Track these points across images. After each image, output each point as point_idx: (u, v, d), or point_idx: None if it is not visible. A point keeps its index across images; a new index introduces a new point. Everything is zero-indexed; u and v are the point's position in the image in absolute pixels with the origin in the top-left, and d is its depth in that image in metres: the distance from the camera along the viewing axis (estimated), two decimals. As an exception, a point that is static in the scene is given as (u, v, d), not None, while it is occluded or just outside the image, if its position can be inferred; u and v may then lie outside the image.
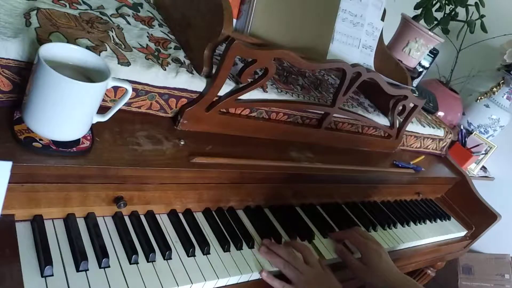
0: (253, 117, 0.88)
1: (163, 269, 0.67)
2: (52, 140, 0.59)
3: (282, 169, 0.87)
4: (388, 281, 0.85)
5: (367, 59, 1.09)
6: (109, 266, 0.62)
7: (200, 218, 0.80)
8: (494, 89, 1.80)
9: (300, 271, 0.78)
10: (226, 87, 0.78)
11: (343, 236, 0.94)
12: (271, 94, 0.87)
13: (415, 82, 1.56)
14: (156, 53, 0.75)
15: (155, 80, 0.71)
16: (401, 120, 1.16)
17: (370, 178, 1.11)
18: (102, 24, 0.74)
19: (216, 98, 0.78)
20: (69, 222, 0.64)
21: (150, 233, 0.71)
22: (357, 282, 0.92)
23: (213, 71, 0.76)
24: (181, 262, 0.70)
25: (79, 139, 0.61)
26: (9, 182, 0.48)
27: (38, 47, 0.54)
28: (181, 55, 0.78)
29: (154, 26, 0.83)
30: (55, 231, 0.62)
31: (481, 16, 1.51)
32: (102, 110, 0.63)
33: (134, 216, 0.71)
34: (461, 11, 1.44)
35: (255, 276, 0.76)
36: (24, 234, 0.59)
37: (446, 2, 1.39)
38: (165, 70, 0.72)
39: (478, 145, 1.75)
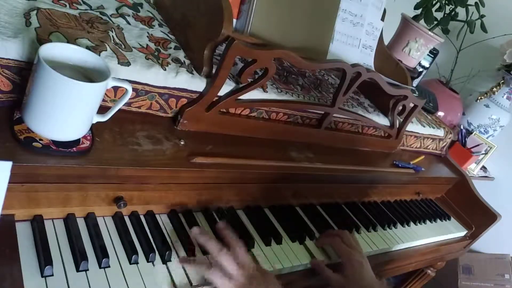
0: (253, 117, 0.88)
1: (163, 269, 0.66)
2: (52, 140, 0.59)
3: (282, 169, 0.87)
4: None
5: (367, 59, 1.09)
6: (109, 266, 0.62)
7: (200, 218, 0.80)
8: (494, 89, 1.80)
9: (229, 273, 0.67)
10: (226, 87, 0.78)
11: (328, 240, 0.90)
12: (271, 94, 0.87)
13: (415, 82, 1.56)
14: (156, 53, 0.75)
15: (155, 80, 0.71)
16: (401, 120, 1.16)
17: (370, 178, 1.11)
18: (102, 24, 0.74)
19: (216, 98, 0.78)
20: (69, 222, 0.64)
21: (150, 233, 0.71)
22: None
23: (213, 71, 0.76)
24: (181, 262, 0.69)
25: (79, 139, 0.61)
26: (9, 182, 0.47)
27: (38, 47, 0.54)
28: (181, 55, 0.78)
29: (154, 26, 0.83)
30: (55, 231, 0.62)
31: (481, 16, 1.51)
32: (102, 110, 0.63)
33: (134, 216, 0.71)
34: (461, 11, 1.44)
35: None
36: (24, 234, 0.59)
37: (446, 2, 1.39)
38: (165, 70, 0.72)
39: (478, 145, 1.75)
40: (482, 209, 1.39)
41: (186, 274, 0.67)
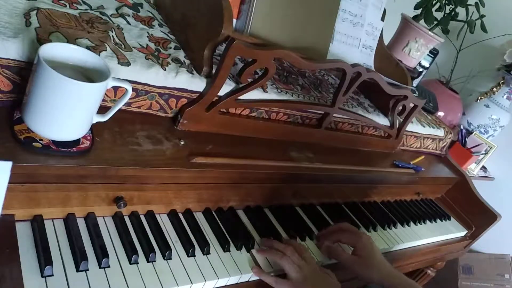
0: (253, 117, 0.88)
1: (163, 269, 0.67)
2: (52, 140, 0.59)
3: (282, 169, 0.87)
4: (383, 272, 0.85)
5: (367, 59, 1.09)
6: (109, 266, 0.62)
7: (200, 218, 0.80)
8: (494, 89, 1.80)
9: (298, 265, 0.76)
10: (226, 87, 0.78)
11: (330, 240, 0.91)
12: (271, 94, 0.87)
13: (415, 82, 1.56)
14: (156, 53, 0.75)
15: (155, 80, 0.71)
16: (401, 120, 1.16)
17: (370, 178, 1.11)
18: (102, 24, 0.74)
19: (216, 98, 0.78)
20: (69, 222, 0.64)
21: (150, 233, 0.71)
22: (356, 283, 0.91)
23: (213, 71, 0.76)
24: (181, 262, 0.70)
25: (79, 139, 0.61)
26: (9, 182, 0.47)
27: (38, 47, 0.54)
28: (181, 55, 0.78)
29: (154, 26, 0.83)
30: (55, 231, 0.62)
31: (481, 16, 1.51)
32: (102, 110, 0.63)
33: (134, 216, 0.71)
34: (461, 11, 1.44)
35: (256, 276, 0.76)
36: (24, 234, 0.59)
37: (446, 2, 1.38)
38: (165, 70, 0.72)
39: (478, 145, 1.75)
40: (482, 209, 1.39)
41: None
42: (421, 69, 1.69)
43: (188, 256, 0.71)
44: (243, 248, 0.79)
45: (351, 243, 0.90)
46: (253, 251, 0.79)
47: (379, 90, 1.00)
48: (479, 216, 1.40)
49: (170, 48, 0.79)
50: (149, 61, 0.71)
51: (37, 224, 0.61)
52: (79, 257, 0.59)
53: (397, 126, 1.16)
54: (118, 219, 0.69)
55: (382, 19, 1.11)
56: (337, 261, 0.88)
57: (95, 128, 0.64)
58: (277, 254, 0.78)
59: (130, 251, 0.65)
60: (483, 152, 1.79)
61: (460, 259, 1.84)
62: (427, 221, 1.26)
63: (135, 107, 0.73)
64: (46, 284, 0.55)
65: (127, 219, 0.71)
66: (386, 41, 1.27)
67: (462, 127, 1.82)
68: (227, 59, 0.72)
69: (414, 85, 1.48)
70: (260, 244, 0.82)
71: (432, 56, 1.74)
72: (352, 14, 1.03)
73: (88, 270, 0.60)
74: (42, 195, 0.60)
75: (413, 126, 1.26)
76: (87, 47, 0.65)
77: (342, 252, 0.88)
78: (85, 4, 0.77)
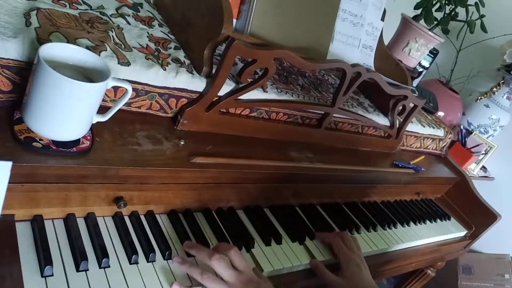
0: (253, 117, 0.88)
1: (163, 269, 0.66)
2: (52, 140, 0.59)
3: (282, 169, 0.87)
4: None
5: (367, 59, 1.09)
6: (109, 266, 0.62)
7: (200, 218, 0.80)
8: (494, 89, 1.80)
9: (224, 280, 0.65)
10: (226, 87, 0.78)
11: (328, 240, 0.90)
12: (271, 94, 0.87)
13: (415, 82, 1.56)
14: (156, 53, 0.75)
15: (155, 80, 0.71)
16: (401, 120, 1.16)
17: (370, 178, 1.11)
18: (102, 24, 0.74)
19: (216, 98, 0.78)
20: (69, 222, 0.64)
21: (150, 233, 0.71)
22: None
23: (213, 71, 0.76)
24: (181, 262, 0.69)
25: (79, 139, 0.61)
26: (9, 182, 0.47)
27: (38, 47, 0.54)
28: (181, 55, 0.78)
29: (154, 26, 0.83)
30: (55, 231, 0.62)
31: (481, 16, 1.51)
32: (102, 110, 0.63)
33: (134, 216, 0.71)
34: (461, 11, 1.44)
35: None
36: (24, 234, 0.59)
37: (446, 2, 1.39)
38: (165, 70, 0.72)
39: (478, 145, 1.75)
40: (482, 209, 1.39)
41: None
42: (421, 69, 1.69)
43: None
44: (243, 248, 0.79)
45: (340, 258, 0.86)
46: (256, 251, 0.72)
47: (379, 90, 1.00)
48: (479, 216, 1.40)
49: (170, 48, 0.79)
50: (149, 61, 0.71)
51: (37, 224, 0.61)
52: (79, 257, 0.59)
53: (397, 126, 1.16)
54: (118, 219, 0.69)
55: (382, 19, 1.11)
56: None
57: (95, 128, 0.64)
58: (196, 269, 0.66)
59: (130, 251, 0.65)
60: (483, 152, 1.79)
61: (460, 259, 1.84)
62: (427, 221, 1.26)
63: (135, 107, 0.73)
64: (46, 284, 0.55)
65: (127, 219, 0.71)
66: (386, 41, 1.27)
67: (462, 127, 1.82)
68: (227, 59, 0.72)
69: (414, 85, 1.48)
70: (185, 247, 0.70)
71: (432, 56, 1.74)
72: (352, 14, 1.03)
73: (88, 270, 0.60)
74: (42, 195, 0.60)
75: (413, 126, 1.26)
76: (87, 47, 0.65)
77: (325, 271, 0.82)
78: (85, 4, 0.77)
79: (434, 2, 1.37)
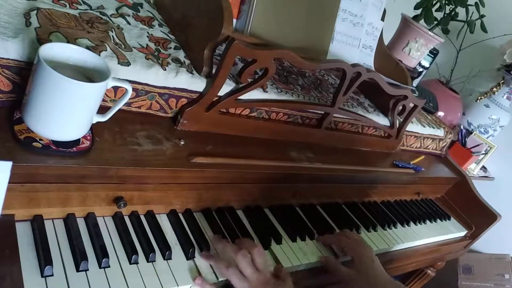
0: (253, 117, 0.88)
1: (163, 269, 0.67)
2: (52, 140, 0.59)
3: (282, 169, 0.87)
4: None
5: (367, 59, 1.09)
6: (109, 266, 0.62)
7: (200, 218, 0.80)
8: (494, 89, 1.80)
9: (245, 276, 0.67)
10: (226, 87, 0.78)
11: (332, 241, 0.91)
12: (271, 94, 0.87)
13: (415, 82, 1.56)
14: (156, 53, 0.75)
15: (155, 80, 0.71)
16: (401, 120, 1.16)
17: (370, 178, 1.11)
18: (102, 24, 0.74)
19: (216, 98, 0.78)
20: (69, 222, 0.64)
21: (150, 233, 0.71)
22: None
23: (213, 71, 0.76)
24: (181, 262, 0.69)
25: (79, 139, 0.61)
26: (9, 182, 0.47)
27: (38, 47, 0.54)
28: (181, 55, 0.78)
29: (154, 26, 0.83)
30: (55, 231, 0.62)
31: (481, 16, 1.51)
32: (102, 110, 0.63)
33: (134, 216, 0.71)
34: (461, 11, 1.44)
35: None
36: (24, 234, 0.59)
37: (446, 2, 1.39)
38: (165, 70, 0.72)
39: (478, 145, 1.75)
40: (482, 209, 1.39)
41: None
42: (421, 69, 1.69)
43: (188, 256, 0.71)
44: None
45: (351, 252, 0.87)
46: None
47: (379, 90, 1.00)
48: (479, 216, 1.40)
49: (170, 48, 0.79)
50: (149, 61, 0.71)
51: (37, 224, 0.61)
52: (79, 257, 0.59)
53: (397, 126, 1.16)
54: (118, 219, 0.69)
55: (382, 19, 1.11)
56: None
57: (95, 128, 0.64)
58: (223, 262, 0.69)
59: (130, 251, 0.65)
60: (483, 152, 1.79)
61: (460, 259, 1.84)
62: (427, 221, 1.26)
63: (135, 107, 0.73)
64: (46, 284, 0.55)
65: (127, 219, 0.71)
66: (386, 41, 1.27)
67: (462, 127, 1.82)
68: (227, 59, 0.72)
69: (414, 85, 1.48)
70: (213, 242, 0.74)
71: (432, 56, 1.74)
72: (352, 14, 1.03)
73: (88, 270, 0.60)
74: (42, 195, 0.60)
75: (413, 126, 1.26)
76: (87, 47, 0.65)
77: (337, 263, 0.84)
78: (85, 4, 0.77)
79: (434, 2, 1.37)
